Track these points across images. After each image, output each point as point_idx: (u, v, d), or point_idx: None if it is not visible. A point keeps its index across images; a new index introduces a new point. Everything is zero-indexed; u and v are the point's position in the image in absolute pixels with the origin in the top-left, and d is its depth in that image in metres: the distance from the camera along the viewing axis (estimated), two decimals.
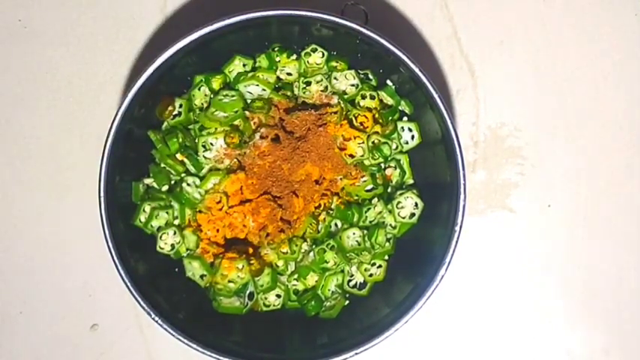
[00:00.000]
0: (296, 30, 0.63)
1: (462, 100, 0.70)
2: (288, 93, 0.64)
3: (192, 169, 0.63)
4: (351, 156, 0.62)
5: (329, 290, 0.64)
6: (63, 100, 0.69)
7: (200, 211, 0.63)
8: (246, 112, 0.63)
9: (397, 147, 0.65)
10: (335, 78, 0.64)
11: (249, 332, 0.63)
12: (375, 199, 0.63)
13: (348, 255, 0.63)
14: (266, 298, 0.64)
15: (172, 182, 0.64)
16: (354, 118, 0.63)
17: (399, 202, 0.63)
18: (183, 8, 0.70)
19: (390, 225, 0.64)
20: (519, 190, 0.70)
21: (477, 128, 0.71)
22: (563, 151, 0.70)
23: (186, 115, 0.64)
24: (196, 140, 0.63)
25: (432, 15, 0.70)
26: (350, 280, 0.65)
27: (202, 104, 0.64)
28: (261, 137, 0.62)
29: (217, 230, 0.63)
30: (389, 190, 0.64)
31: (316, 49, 0.64)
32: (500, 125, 0.71)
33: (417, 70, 0.57)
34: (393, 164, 0.64)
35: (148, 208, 0.62)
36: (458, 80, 0.70)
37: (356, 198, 0.63)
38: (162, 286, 0.61)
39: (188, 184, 0.63)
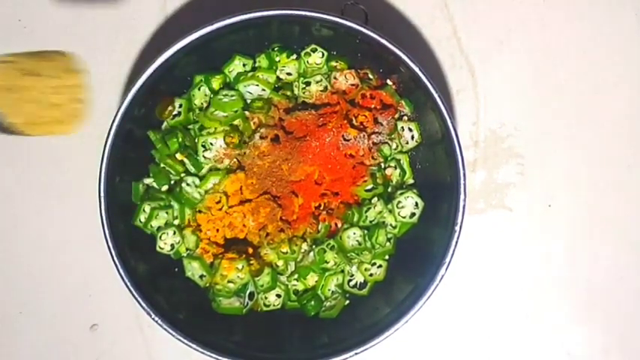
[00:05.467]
0: (296, 30, 0.63)
1: (462, 100, 0.70)
2: (288, 93, 0.64)
3: (192, 169, 0.63)
4: (351, 156, 0.62)
5: (329, 290, 0.64)
6: None
7: (200, 211, 0.63)
8: (246, 112, 0.63)
9: (397, 147, 0.65)
10: (335, 78, 0.64)
11: (249, 332, 0.63)
12: (375, 199, 0.63)
13: (348, 255, 0.63)
14: (266, 298, 0.64)
15: (172, 182, 0.64)
16: (354, 118, 0.63)
17: (399, 202, 0.63)
18: (183, 8, 0.70)
19: (391, 225, 0.64)
20: (519, 190, 0.70)
21: (477, 128, 0.71)
22: (563, 151, 0.70)
23: (186, 115, 0.64)
24: (196, 140, 0.63)
25: (432, 15, 0.70)
26: (350, 280, 0.65)
27: (202, 104, 0.64)
28: (261, 137, 0.62)
29: (217, 230, 0.63)
30: (389, 189, 0.64)
31: (316, 49, 0.64)
32: (500, 125, 0.71)
33: (417, 69, 0.57)
34: (393, 164, 0.64)
35: (147, 208, 0.62)
36: (458, 80, 0.70)
37: (356, 198, 0.63)
38: (162, 286, 0.61)
39: (188, 184, 0.63)
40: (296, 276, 0.64)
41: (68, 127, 0.46)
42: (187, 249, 0.63)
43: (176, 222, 0.63)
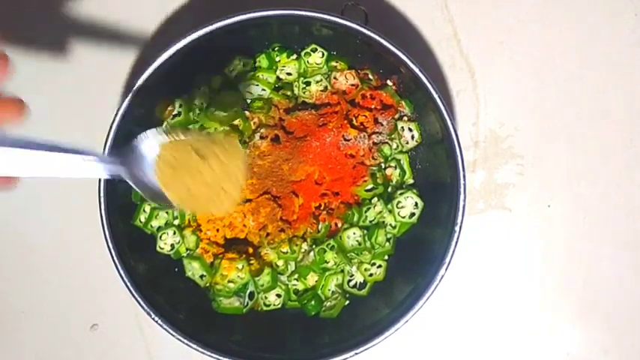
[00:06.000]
0: (296, 30, 0.63)
1: (462, 100, 0.70)
2: (288, 93, 0.64)
3: None
4: (352, 156, 0.62)
5: (329, 290, 0.64)
6: (63, 100, 0.69)
7: None
8: (246, 112, 0.63)
9: (397, 147, 0.65)
10: (335, 78, 0.64)
11: (249, 332, 0.63)
12: (375, 199, 0.63)
13: (348, 255, 0.63)
14: (266, 298, 0.64)
15: None
16: (354, 118, 0.63)
17: (399, 202, 0.63)
18: (183, 8, 0.70)
19: (390, 225, 0.64)
20: (519, 190, 0.70)
21: (477, 128, 0.71)
22: (563, 151, 0.70)
23: (186, 115, 0.64)
24: None
25: (432, 15, 0.70)
26: (350, 280, 0.65)
27: (202, 104, 0.64)
28: (261, 137, 0.62)
29: (217, 230, 0.63)
30: (389, 189, 0.64)
31: (316, 49, 0.64)
32: (500, 125, 0.71)
33: (417, 70, 0.57)
34: (393, 164, 0.64)
35: (148, 208, 0.62)
36: (458, 81, 0.70)
37: (356, 198, 0.63)
38: (162, 286, 0.61)
39: None
40: (296, 276, 0.64)
41: (221, 207, 0.49)
42: (187, 249, 0.63)
43: (176, 222, 0.63)
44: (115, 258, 0.56)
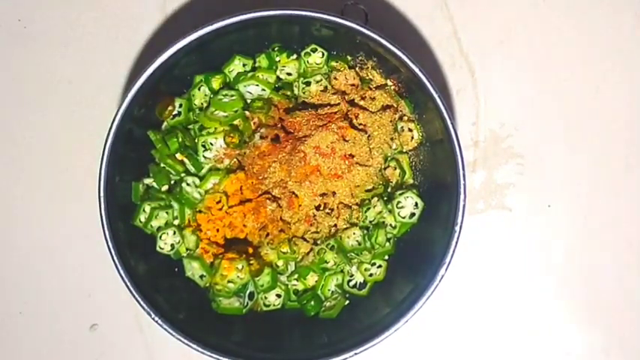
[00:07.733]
0: (296, 30, 0.63)
1: (462, 100, 0.70)
2: (288, 93, 0.64)
3: (192, 169, 0.63)
4: (351, 156, 0.62)
5: (329, 290, 0.64)
6: (63, 100, 0.70)
7: (200, 211, 0.63)
8: (246, 112, 0.63)
9: (397, 147, 0.65)
10: (335, 78, 0.64)
11: (249, 332, 0.63)
12: (375, 199, 0.63)
13: (348, 255, 0.63)
14: (266, 298, 0.64)
15: (172, 182, 0.64)
16: (354, 118, 0.63)
17: (399, 202, 0.63)
18: (183, 8, 0.70)
19: (390, 225, 0.64)
20: (519, 190, 0.70)
21: (477, 128, 0.71)
22: (563, 151, 0.70)
23: (186, 115, 0.64)
24: (196, 140, 0.63)
25: (432, 15, 0.70)
26: (350, 280, 0.65)
27: (202, 104, 0.64)
28: (261, 137, 0.62)
29: (217, 230, 0.63)
30: (389, 189, 0.64)
31: (316, 49, 0.64)
32: (500, 125, 0.71)
33: (417, 70, 0.57)
34: (393, 164, 0.64)
35: (147, 208, 0.62)
36: (458, 80, 0.70)
37: (356, 198, 0.63)
38: (162, 286, 0.61)
39: (188, 184, 0.63)
40: (296, 276, 0.64)
41: None
42: (187, 249, 0.63)
43: (176, 222, 0.63)
44: (115, 258, 0.56)
